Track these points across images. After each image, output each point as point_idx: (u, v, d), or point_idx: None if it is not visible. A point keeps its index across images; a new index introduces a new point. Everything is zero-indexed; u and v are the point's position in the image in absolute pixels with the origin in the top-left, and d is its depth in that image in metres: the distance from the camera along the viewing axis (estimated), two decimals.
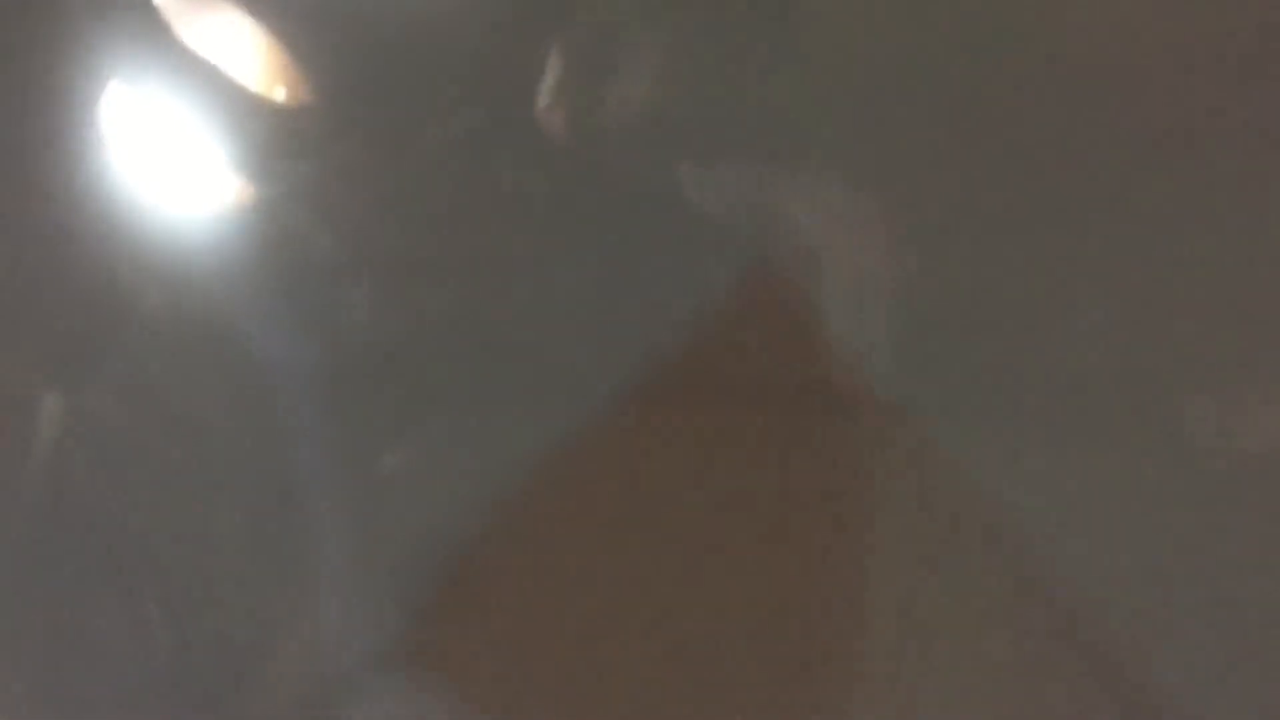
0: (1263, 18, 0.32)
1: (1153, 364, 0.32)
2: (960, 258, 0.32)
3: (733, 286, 0.33)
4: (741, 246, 0.33)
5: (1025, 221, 0.32)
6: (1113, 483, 0.32)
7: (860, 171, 0.33)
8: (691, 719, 0.34)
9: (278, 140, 0.33)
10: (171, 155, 0.33)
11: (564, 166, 0.32)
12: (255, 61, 0.33)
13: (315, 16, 0.33)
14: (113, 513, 0.34)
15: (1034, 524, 0.32)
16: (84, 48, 0.33)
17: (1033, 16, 0.32)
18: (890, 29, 0.32)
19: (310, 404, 0.33)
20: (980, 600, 0.33)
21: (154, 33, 0.33)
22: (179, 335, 0.34)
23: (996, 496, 0.32)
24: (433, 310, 0.33)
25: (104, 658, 0.34)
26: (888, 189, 0.33)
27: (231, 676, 0.34)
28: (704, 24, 0.32)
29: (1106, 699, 0.32)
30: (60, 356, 0.34)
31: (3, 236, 0.34)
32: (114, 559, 0.34)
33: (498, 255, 0.33)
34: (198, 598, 0.34)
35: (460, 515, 0.33)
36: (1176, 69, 0.32)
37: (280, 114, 0.33)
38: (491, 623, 0.34)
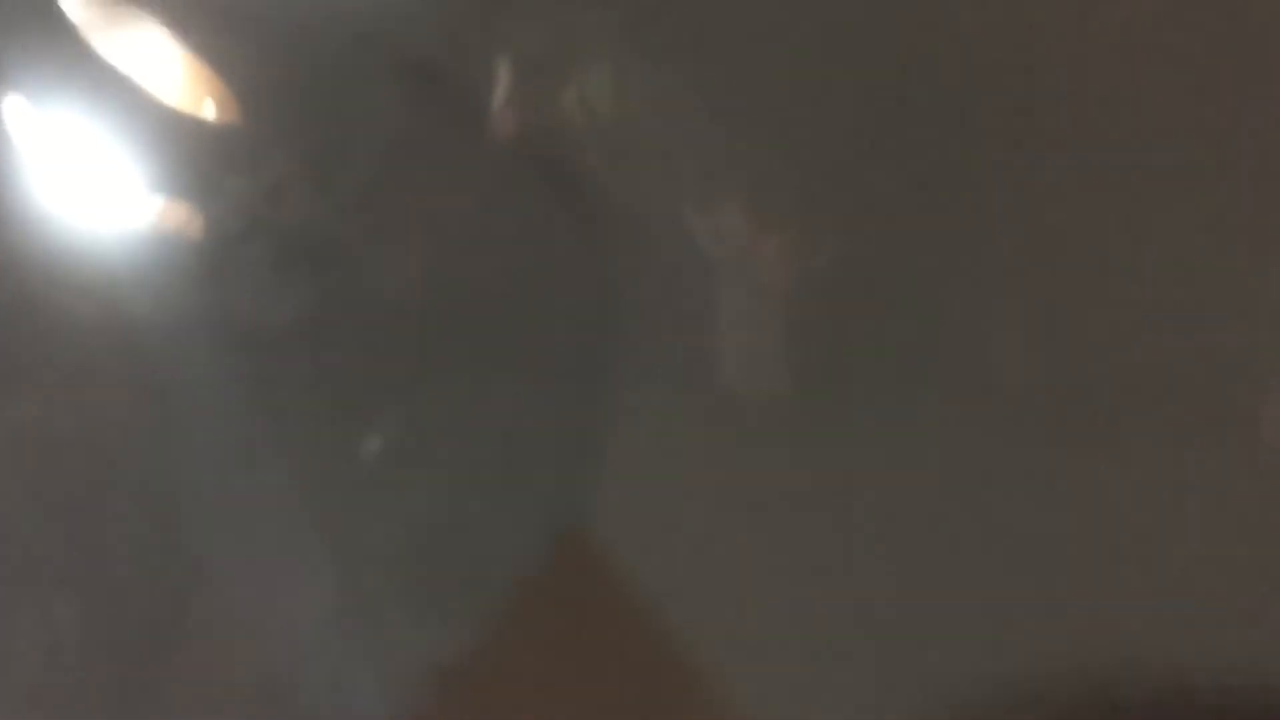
0: None
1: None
2: None
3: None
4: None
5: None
6: None
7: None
8: None
9: (207, 156, 0.32)
10: (96, 173, 0.33)
11: (509, 175, 0.32)
12: (181, 75, 0.32)
13: (245, 28, 0.32)
14: (30, 521, 0.33)
15: None
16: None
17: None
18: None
19: (241, 419, 0.33)
20: None
21: (72, 47, 0.32)
22: (104, 349, 0.33)
23: None
24: (367, 323, 0.32)
25: (15, 663, 0.33)
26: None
27: (145, 683, 0.33)
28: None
29: None
30: None
31: None
32: (31, 567, 0.33)
33: (440, 266, 0.32)
34: (115, 605, 0.33)
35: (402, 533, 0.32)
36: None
37: (209, 129, 0.32)
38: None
